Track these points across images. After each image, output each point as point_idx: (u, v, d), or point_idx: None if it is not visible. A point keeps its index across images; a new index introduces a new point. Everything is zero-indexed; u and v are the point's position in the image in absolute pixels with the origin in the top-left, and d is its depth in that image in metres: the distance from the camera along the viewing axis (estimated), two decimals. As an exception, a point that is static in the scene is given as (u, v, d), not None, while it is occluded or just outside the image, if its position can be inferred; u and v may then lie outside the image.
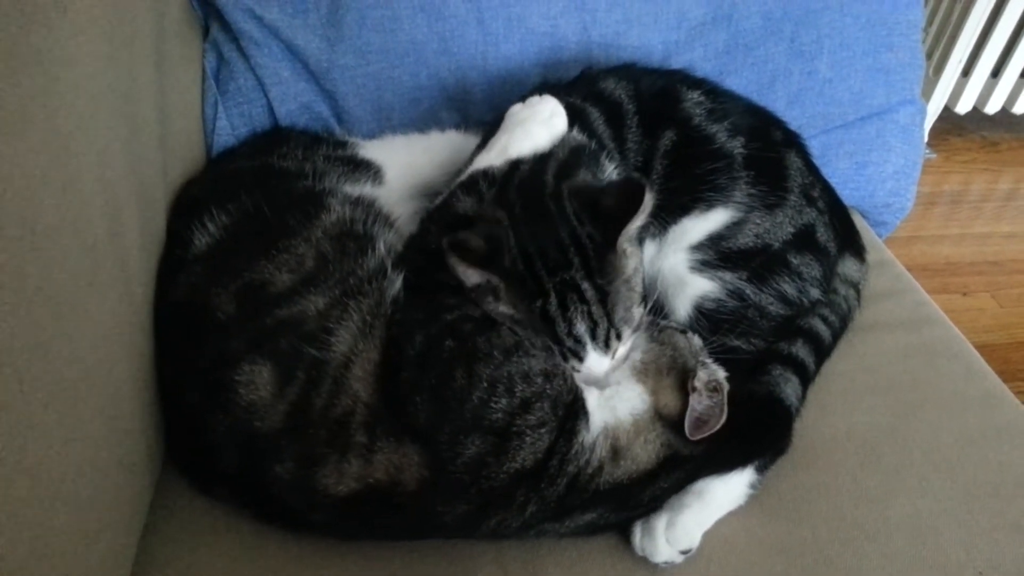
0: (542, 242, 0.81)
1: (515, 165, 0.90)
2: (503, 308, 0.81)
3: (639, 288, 0.86)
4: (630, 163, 1.00)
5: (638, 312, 0.84)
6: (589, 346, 0.81)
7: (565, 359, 0.81)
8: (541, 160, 0.90)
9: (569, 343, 0.80)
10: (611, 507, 0.79)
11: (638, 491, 0.79)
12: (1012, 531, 0.86)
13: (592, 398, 0.80)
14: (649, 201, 0.80)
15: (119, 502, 0.75)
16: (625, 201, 0.80)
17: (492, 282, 0.80)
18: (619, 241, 0.81)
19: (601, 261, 0.81)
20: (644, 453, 0.79)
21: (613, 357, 0.83)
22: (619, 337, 0.82)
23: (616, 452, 0.78)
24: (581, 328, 0.80)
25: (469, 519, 0.75)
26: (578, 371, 0.82)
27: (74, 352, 0.66)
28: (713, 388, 0.80)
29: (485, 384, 0.74)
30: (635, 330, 0.84)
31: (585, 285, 0.80)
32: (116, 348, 0.75)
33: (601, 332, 0.81)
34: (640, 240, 0.96)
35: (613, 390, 0.82)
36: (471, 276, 0.80)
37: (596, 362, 0.82)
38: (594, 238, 0.81)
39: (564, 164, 0.90)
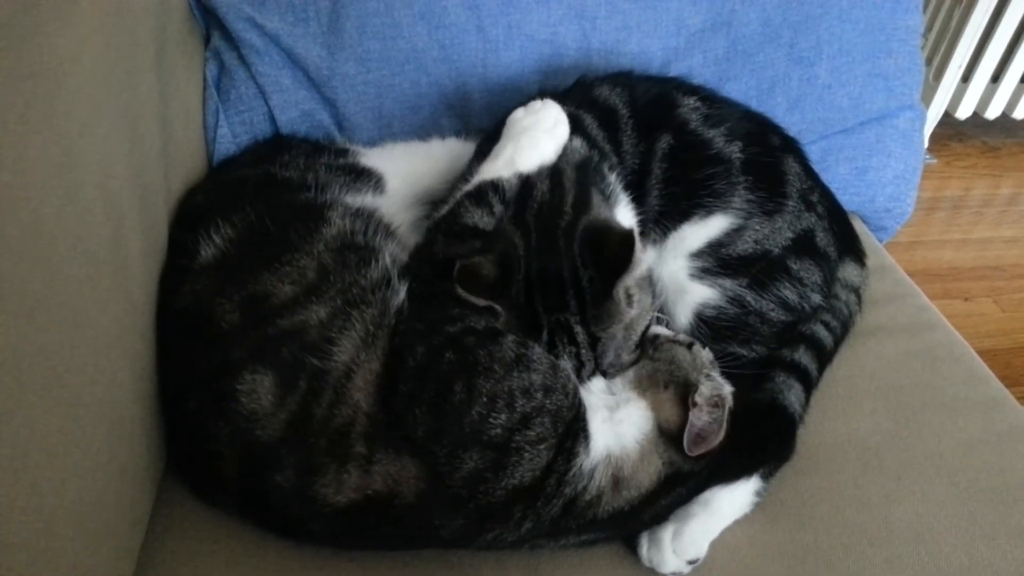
0: (546, 278, 0.81)
1: (529, 183, 0.90)
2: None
3: (639, 333, 0.86)
4: (627, 167, 1.00)
5: (631, 357, 0.85)
6: None
7: None
8: (557, 182, 0.90)
9: None
10: (609, 530, 0.80)
11: (638, 514, 0.79)
12: (1014, 536, 0.86)
13: (597, 420, 0.79)
14: (640, 257, 0.80)
15: (120, 509, 0.75)
16: (619, 253, 0.80)
17: (495, 310, 0.80)
18: (616, 291, 0.81)
19: (598, 308, 0.81)
20: (647, 478, 0.78)
21: None
22: (604, 376, 0.84)
23: (618, 482, 0.77)
24: (567, 367, 0.80)
25: (466, 532, 0.75)
26: None
27: (75, 359, 0.66)
28: (714, 404, 0.79)
29: (485, 399, 0.73)
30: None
31: (578, 329, 0.81)
32: (118, 355, 0.75)
33: (586, 373, 0.83)
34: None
35: (617, 410, 0.81)
36: (475, 301, 0.80)
37: None
38: (594, 283, 0.81)
39: (579, 187, 0.89)
